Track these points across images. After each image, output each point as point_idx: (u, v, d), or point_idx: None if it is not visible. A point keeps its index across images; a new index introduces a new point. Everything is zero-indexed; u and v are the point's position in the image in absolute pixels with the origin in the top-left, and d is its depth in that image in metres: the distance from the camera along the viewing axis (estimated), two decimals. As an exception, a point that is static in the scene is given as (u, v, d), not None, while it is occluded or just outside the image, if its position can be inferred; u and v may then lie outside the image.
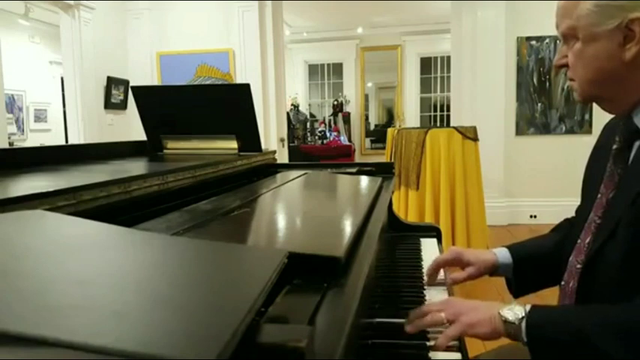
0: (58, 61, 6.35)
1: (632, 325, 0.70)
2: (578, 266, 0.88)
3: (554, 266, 1.00)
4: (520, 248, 1.07)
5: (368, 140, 9.47)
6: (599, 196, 0.88)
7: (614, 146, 0.87)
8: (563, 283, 0.93)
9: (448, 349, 0.78)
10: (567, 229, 1.07)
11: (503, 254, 1.05)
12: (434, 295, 1.01)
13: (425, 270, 1.11)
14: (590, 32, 0.80)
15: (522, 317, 0.75)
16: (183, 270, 0.45)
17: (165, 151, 1.61)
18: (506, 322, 0.75)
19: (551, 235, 1.12)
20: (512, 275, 1.05)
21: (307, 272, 0.56)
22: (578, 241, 0.91)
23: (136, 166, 1.25)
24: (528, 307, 0.76)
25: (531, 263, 1.05)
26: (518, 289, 1.06)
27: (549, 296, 1.07)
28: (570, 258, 0.92)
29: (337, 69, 9.36)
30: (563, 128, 4.70)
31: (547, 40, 4.63)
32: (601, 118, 4.50)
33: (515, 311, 0.76)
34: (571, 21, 0.82)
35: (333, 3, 6.67)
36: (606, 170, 0.88)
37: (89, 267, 0.42)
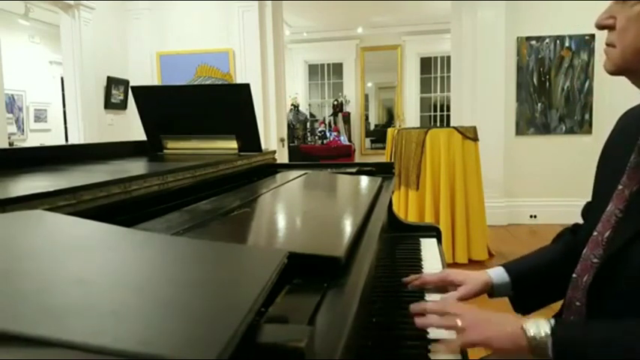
0: (58, 61, 6.35)
1: None
2: (595, 260, 0.83)
3: (558, 279, 0.94)
4: (517, 265, 1.02)
5: (368, 140, 9.47)
6: (620, 187, 0.83)
7: None
8: (575, 276, 0.88)
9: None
10: (569, 238, 1.03)
11: (498, 273, 1.00)
12: (433, 296, 1.01)
13: (424, 270, 1.10)
14: None
15: (548, 333, 0.70)
16: (183, 270, 0.45)
17: (165, 151, 1.61)
18: (531, 338, 0.70)
19: (551, 246, 1.07)
20: (512, 294, 1.00)
21: (307, 272, 0.56)
22: (595, 233, 0.85)
23: (136, 166, 1.25)
24: (553, 322, 0.72)
25: (532, 279, 1.00)
26: (521, 307, 1.01)
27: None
28: (584, 250, 0.87)
29: (337, 69, 9.36)
30: (563, 128, 4.70)
31: (547, 40, 4.63)
32: (601, 118, 4.51)
33: (539, 325, 0.71)
34: None
35: (333, 3, 6.67)
36: (630, 161, 0.83)
37: (89, 267, 0.42)
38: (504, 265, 1.01)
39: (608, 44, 0.81)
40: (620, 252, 0.77)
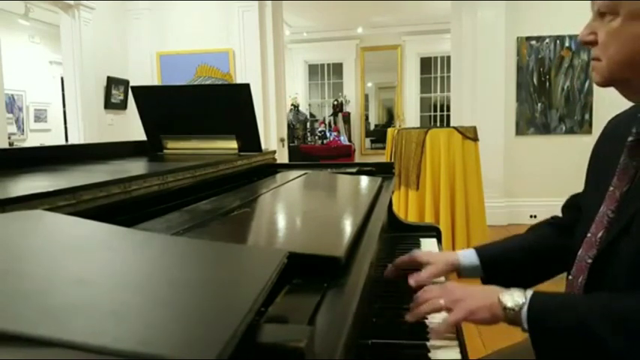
0: (58, 61, 6.35)
1: (632, 314, 0.69)
2: (589, 260, 0.85)
3: (525, 270, 1.00)
4: (489, 251, 1.05)
5: (368, 140, 9.47)
6: (611, 189, 0.85)
7: (630, 138, 0.84)
8: (571, 277, 0.90)
9: (447, 346, 0.78)
10: (545, 230, 1.07)
11: (467, 255, 1.03)
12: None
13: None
14: (635, 9, 0.74)
15: (522, 303, 0.74)
16: (183, 270, 0.45)
17: (165, 151, 1.61)
18: (505, 308, 0.75)
19: (524, 235, 1.10)
20: (483, 276, 1.04)
21: (307, 272, 0.56)
22: (589, 234, 0.87)
23: (136, 166, 1.25)
24: (529, 294, 0.75)
25: (501, 264, 1.03)
26: None
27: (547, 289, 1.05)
28: (580, 252, 0.89)
29: (337, 69, 9.36)
30: (563, 128, 4.70)
31: (547, 40, 4.63)
32: (601, 118, 4.50)
33: (515, 297, 0.75)
34: None
35: (333, 3, 6.67)
36: (620, 163, 0.85)
37: (89, 267, 0.42)
38: (476, 248, 1.05)
39: (593, 58, 0.83)
40: (610, 249, 0.80)
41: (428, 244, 1.40)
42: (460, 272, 1.04)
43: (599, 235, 0.85)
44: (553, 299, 0.77)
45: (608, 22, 0.78)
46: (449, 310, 0.80)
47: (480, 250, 1.04)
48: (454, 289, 0.82)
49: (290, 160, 6.35)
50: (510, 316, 0.75)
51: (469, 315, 0.77)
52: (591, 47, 0.83)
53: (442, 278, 1.06)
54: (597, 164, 0.96)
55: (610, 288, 0.80)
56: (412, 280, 0.98)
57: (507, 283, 1.01)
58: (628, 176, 0.83)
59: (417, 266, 1.03)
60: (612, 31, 0.78)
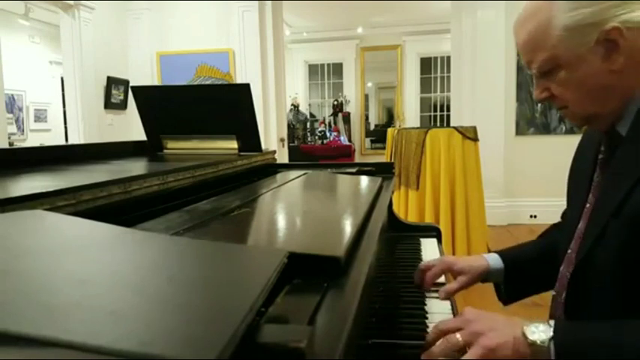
0: (58, 61, 6.35)
1: None
2: (568, 276, 0.85)
3: (540, 272, 0.99)
4: (510, 253, 1.05)
5: (368, 140, 9.47)
6: (587, 205, 0.86)
7: (600, 156, 0.86)
8: (554, 293, 0.91)
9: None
10: (554, 235, 1.06)
11: (494, 259, 1.03)
12: (434, 303, 1.01)
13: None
14: (573, 55, 0.77)
15: (550, 338, 0.68)
16: (183, 270, 0.45)
17: (165, 151, 1.61)
18: (533, 344, 0.68)
19: (537, 241, 1.10)
20: (503, 280, 1.03)
21: (307, 272, 0.56)
22: (569, 251, 0.89)
23: (136, 166, 1.25)
24: (552, 324, 0.69)
25: (521, 268, 1.03)
26: (508, 294, 1.04)
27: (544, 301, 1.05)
28: (561, 268, 0.90)
29: (337, 69, 9.36)
30: (563, 128, 4.70)
31: (547, 40, 4.63)
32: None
33: (540, 330, 0.69)
34: (546, 52, 0.79)
35: (333, 3, 6.67)
36: (593, 179, 0.87)
37: (89, 267, 0.42)
38: (499, 253, 1.04)
39: (559, 109, 0.86)
40: (585, 262, 0.79)
41: (428, 244, 1.40)
42: (486, 277, 1.03)
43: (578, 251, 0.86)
44: (582, 327, 0.73)
45: (554, 75, 0.81)
46: (467, 345, 0.72)
47: (503, 254, 1.04)
48: (474, 321, 0.73)
49: (290, 160, 6.35)
50: (537, 352, 0.68)
51: (489, 353, 0.70)
52: (551, 101, 0.85)
53: (442, 278, 1.06)
54: (575, 179, 0.97)
55: (589, 303, 0.79)
56: (443, 294, 0.99)
57: (525, 287, 1.04)
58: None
59: (452, 274, 1.02)
60: (562, 82, 0.80)
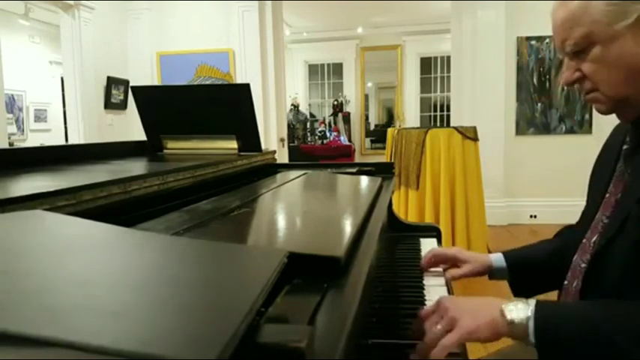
0: (58, 61, 6.35)
1: None
2: (583, 265, 0.85)
3: (550, 272, 1.00)
4: (514, 254, 1.09)
5: (368, 140, 9.47)
6: (607, 195, 0.86)
7: (625, 147, 0.86)
8: (566, 282, 0.91)
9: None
10: (568, 234, 1.06)
11: (497, 258, 1.08)
12: (433, 295, 1.01)
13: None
14: (611, 32, 0.76)
15: (528, 317, 0.70)
16: (183, 270, 0.45)
17: (165, 151, 1.61)
18: (511, 323, 0.70)
19: (551, 240, 1.12)
20: (508, 279, 1.08)
21: (307, 272, 0.56)
22: (583, 240, 0.89)
23: (136, 166, 1.25)
24: (532, 304, 0.71)
25: (526, 269, 1.07)
26: (516, 292, 1.08)
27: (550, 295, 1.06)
28: (574, 257, 0.90)
29: (337, 69, 9.36)
30: (563, 128, 4.70)
31: (547, 40, 4.63)
32: (601, 118, 4.49)
33: (519, 309, 0.71)
34: (584, 28, 0.77)
35: (333, 3, 6.67)
36: (616, 170, 0.87)
37: (89, 267, 0.42)
38: (503, 252, 1.10)
39: (587, 92, 0.84)
40: (603, 253, 0.80)
41: (428, 244, 1.40)
42: (491, 275, 1.09)
43: (593, 239, 0.86)
44: (560, 309, 0.75)
45: (588, 54, 0.79)
46: (449, 332, 0.73)
47: (507, 254, 1.09)
48: (449, 307, 0.75)
49: (290, 160, 6.35)
50: (516, 331, 0.70)
51: (468, 335, 0.71)
52: (580, 85, 0.84)
53: (444, 290, 1.07)
54: (598, 172, 0.97)
55: (604, 291, 0.79)
56: (449, 275, 1.07)
57: (533, 286, 1.06)
58: (623, 182, 0.84)
59: (457, 262, 1.09)
60: (597, 59, 0.79)
